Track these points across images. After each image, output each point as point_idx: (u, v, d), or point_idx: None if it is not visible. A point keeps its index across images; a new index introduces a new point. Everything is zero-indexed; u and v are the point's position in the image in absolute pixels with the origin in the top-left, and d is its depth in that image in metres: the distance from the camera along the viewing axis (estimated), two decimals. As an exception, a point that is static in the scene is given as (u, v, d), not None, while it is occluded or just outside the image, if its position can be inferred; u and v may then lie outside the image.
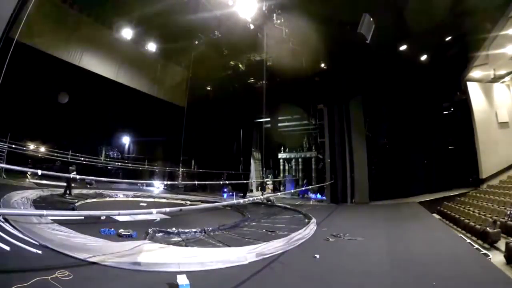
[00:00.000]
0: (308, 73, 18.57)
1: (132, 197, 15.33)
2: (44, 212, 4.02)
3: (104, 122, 19.16)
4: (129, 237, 6.87)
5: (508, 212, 10.44)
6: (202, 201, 16.72)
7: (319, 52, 16.51)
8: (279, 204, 16.12)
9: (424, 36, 14.87)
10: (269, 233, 8.64)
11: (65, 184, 12.82)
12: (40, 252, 5.13)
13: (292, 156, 26.83)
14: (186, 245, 6.47)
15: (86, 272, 4.67)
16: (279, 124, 26.15)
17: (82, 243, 5.85)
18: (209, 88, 23.25)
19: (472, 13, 12.75)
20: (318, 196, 21.62)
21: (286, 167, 27.37)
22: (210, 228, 8.28)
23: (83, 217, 8.38)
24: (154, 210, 5.14)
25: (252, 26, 14.25)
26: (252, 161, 25.88)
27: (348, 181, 18.47)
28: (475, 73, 17.68)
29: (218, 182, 19.72)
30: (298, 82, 19.12)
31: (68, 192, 12.49)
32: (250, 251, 6.23)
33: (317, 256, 6.43)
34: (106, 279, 4.59)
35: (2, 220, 6.34)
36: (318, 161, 24.22)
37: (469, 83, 18.27)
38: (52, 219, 7.13)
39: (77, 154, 16.57)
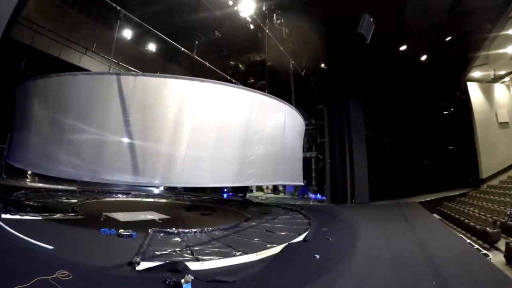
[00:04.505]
0: (308, 73, 18.54)
1: (132, 197, 15.31)
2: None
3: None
4: (129, 237, 6.86)
5: (508, 212, 10.44)
6: (203, 201, 16.72)
7: (319, 52, 16.48)
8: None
9: (424, 36, 14.85)
10: (269, 233, 8.64)
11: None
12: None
13: (292, 156, 26.75)
14: (186, 246, 6.47)
15: (86, 272, 4.66)
16: (279, 124, 26.04)
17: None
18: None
19: (472, 13, 12.73)
20: (318, 196, 21.61)
21: (286, 167, 27.27)
22: (210, 229, 8.28)
23: (83, 217, 8.41)
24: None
25: (252, 26, 14.24)
26: (252, 161, 25.77)
27: (348, 181, 18.45)
28: (475, 73, 17.68)
29: None
30: (298, 82, 19.07)
31: None
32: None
33: (317, 256, 6.43)
34: (106, 279, 4.59)
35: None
36: (318, 161, 24.19)
37: (469, 83, 18.27)
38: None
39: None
